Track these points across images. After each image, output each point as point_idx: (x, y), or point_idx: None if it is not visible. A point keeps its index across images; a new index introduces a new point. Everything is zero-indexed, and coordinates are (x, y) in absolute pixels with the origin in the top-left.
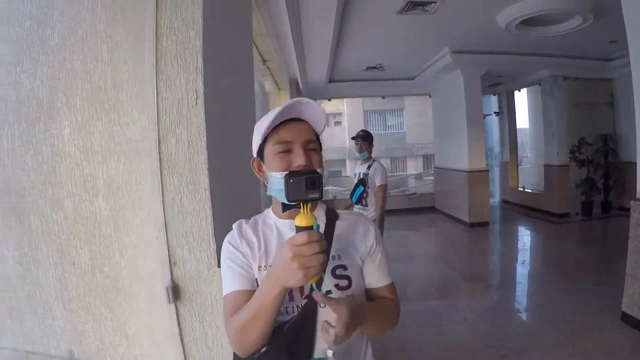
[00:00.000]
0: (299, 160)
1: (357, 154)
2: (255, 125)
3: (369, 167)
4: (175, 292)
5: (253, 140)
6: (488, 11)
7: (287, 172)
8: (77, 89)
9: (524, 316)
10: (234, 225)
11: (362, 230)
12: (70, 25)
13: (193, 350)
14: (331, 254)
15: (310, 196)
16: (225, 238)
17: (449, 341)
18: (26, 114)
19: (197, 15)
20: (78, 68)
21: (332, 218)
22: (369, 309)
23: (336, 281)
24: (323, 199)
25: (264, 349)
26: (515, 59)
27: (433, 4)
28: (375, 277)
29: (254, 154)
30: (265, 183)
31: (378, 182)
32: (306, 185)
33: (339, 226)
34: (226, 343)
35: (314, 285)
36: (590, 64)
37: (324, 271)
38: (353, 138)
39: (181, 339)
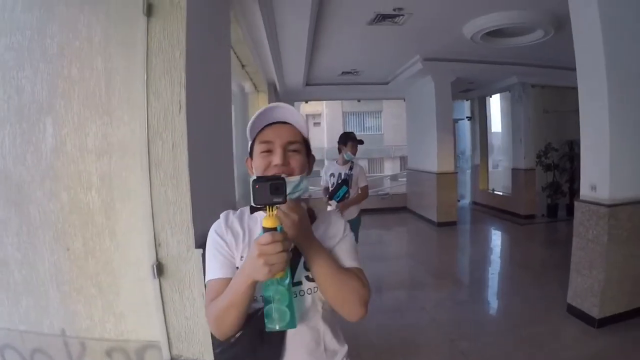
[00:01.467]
0: (276, 159)
1: (351, 155)
2: (247, 126)
3: (350, 169)
4: (159, 269)
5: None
6: (453, 24)
7: (254, 178)
8: (74, 94)
9: (478, 307)
10: (222, 215)
11: (334, 228)
12: (68, 37)
13: (173, 320)
14: None
15: (274, 200)
16: (212, 226)
17: (408, 325)
18: (27, 116)
19: (181, 38)
20: (75, 75)
21: (309, 217)
22: (325, 254)
23: (307, 273)
24: (304, 198)
25: (239, 334)
26: (484, 67)
27: (401, 16)
28: (341, 261)
29: (248, 153)
30: None
31: (363, 183)
32: (270, 190)
33: (316, 226)
34: (202, 314)
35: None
36: (557, 72)
37: (288, 266)
38: (345, 142)
39: (163, 310)
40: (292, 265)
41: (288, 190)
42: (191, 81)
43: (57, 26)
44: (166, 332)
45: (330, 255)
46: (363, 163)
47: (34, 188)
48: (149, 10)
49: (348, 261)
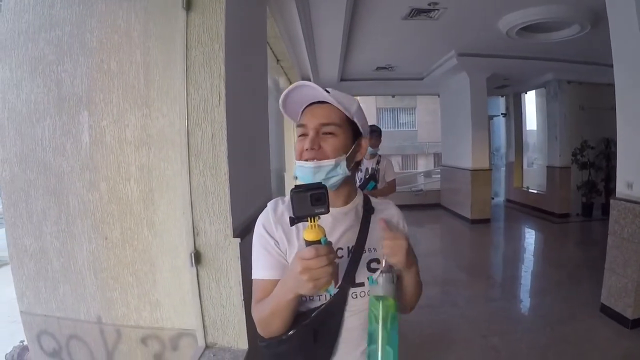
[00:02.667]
0: (306, 144)
1: (370, 148)
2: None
3: (378, 162)
4: (197, 258)
5: None
6: (489, 18)
7: (292, 188)
8: (113, 87)
9: (510, 304)
10: (269, 205)
11: (395, 222)
12: (106, 31)
13: (209, 308)
14: (367, 246)
15: (317, 211)
16: (259, 218)
17: (440, 320)
18: (67, 108)
19: (220, 31)
20: (114, 69)
21: (368, 211)
22: (417, 267)
23: (369, 274)
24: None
25: (290, 332)
26: (520, 63)
27: (436, 11)
28: None
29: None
30: None
31: (390, 177)
32: (311, 201)
33: (375, 220)
34: (238, 302)
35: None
36: (594, 68)
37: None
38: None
39: (200, 298)
40: (351, 267)
41: (322, 176)
42: (230, 74)
43: (96, 21)
44: (202, 320)
45: (418, 267)
46: (397, 159)
47: (73, 178)
48: (189, 4)
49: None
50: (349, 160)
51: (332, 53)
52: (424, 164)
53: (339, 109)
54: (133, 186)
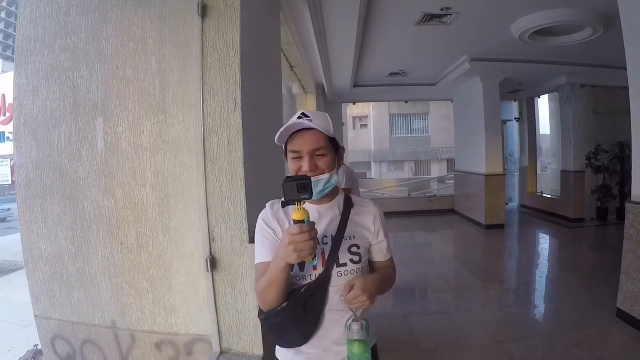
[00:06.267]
0: (305, 167)
1: None
2: (278, 133)
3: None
4: (213, 264)
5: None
6: (501, 22)
7: (285, 178)
8: (129, 93)
9: (525, 310)
10: (268, 205)
11: (372, 216)
12: (122, 39)
13: (225, 314)
14: (347, 234)
15: (302, 197)
16: (260, 215)
17: (454, 326)
18: (83, 114)
19: (236, 38)
20: (130, 75)
21: (348, 206)
22: (379, 280)
23: (351, 256)
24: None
25: (284, 304)
26: (533, 67)
27: (448, 16)
28: (382, 254)
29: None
30: None
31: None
32: (298, 188)
33: (355, 212)
34: (253, 307)
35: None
36: (607, 72)
37: (320, 250)
38: None
39: (215, 303)
40: (334, 251)
41: (321, 187)
42: (246, 79)
43: (111, 29)
44: (217, 325)
45: (378, 277)
46: (410, 165)
47: (89, 184)
48: (204, 11)
49: (387, 254)
50: (335, 169)
51: (346, 59)
52: (437, 170)
53: (322, 133)
54: (149, 192)
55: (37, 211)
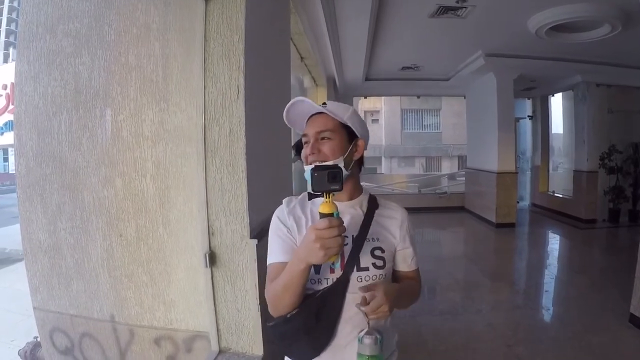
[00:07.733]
0: (307, 150)
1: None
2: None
3: None
4: (212, 259)
5: None
6: (518, 17)
7: (313, 167)
8: (131, 80)
9: (535, 312)
10: (284, 201)
11: (399, 221)
12: (125, 24)
13: (224, 312)
14: (370, 236)
15: (332, 187)
16: (275, 212)
17: (463, 328)
18: (83, 101)
19: (240, 22)
20: (132, 62)
21: (372, 207)
22: (400, 290)
23: (373, 260)
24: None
25: (294, 311)
26: (548, 64)
27: (463, 9)
28: (406, 263)
29: None
30: None
31: None
32: (328, 178)
33: (380, 214)
34: (253, 306)
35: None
36: (624, 71)
37: (341, 251)
38: None
39: (214, 301)
40: (355, 252)
41: None
42: (250, 66)
43: (114, 14)
44: (216, 323)
45: (402, 287)
46: (420, 161)
47: (88, 174)
48: None
49: (411, 264)
50: (347, 160)
51: (357, 51)
52: (448, 167)
53: (333, 117)
54: (149, 183)
55: (37, 200)
